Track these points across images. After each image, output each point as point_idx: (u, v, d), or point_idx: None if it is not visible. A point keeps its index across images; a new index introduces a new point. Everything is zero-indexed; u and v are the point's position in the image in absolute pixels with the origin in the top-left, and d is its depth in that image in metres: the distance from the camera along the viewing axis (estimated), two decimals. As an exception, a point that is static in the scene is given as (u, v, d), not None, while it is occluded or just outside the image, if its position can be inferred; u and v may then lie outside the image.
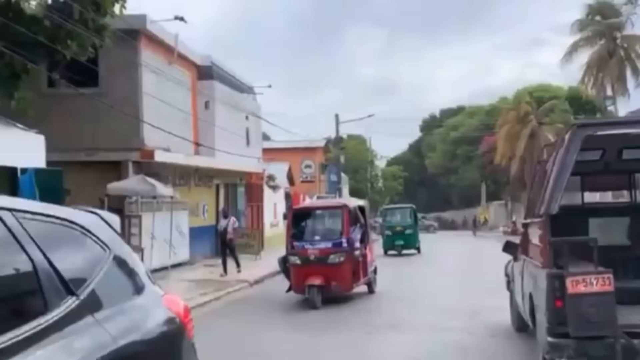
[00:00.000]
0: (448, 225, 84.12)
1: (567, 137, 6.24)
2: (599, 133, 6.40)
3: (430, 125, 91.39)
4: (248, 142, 26.95)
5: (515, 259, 8.77)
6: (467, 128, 78.69)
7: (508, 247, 8.92)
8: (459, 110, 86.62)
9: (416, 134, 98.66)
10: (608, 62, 43.67)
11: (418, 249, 30.30)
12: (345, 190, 61.08)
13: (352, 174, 75.97)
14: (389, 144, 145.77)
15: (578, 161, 6.34)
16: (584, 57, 44.05)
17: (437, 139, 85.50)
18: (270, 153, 41.97)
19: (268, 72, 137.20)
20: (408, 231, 30.14)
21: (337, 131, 46.15)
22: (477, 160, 59.53)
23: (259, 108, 29.47)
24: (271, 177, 30.56)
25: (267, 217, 30.98)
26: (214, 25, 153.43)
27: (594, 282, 5.53)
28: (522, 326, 8.71)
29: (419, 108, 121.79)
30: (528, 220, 7.76)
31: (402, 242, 29.73)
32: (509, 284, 9.86)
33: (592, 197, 9.32)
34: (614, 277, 5.65)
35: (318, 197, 43.04)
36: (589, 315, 5.50)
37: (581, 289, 5.52)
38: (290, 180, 40.98)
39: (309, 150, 44.34)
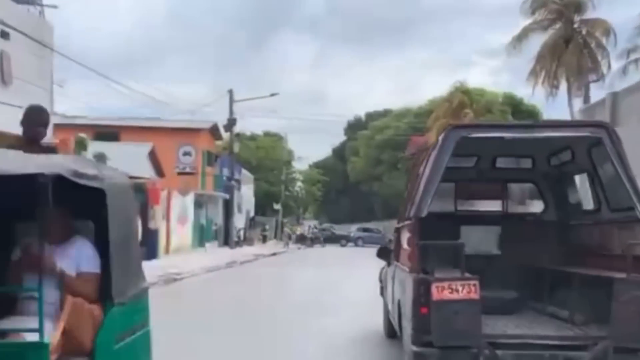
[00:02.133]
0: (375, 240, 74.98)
1: (440, 138, 5.91)
2: (474, 135, 5.97)
3: (355, 128, 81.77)
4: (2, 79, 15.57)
5: (389, 264, 8.49)
6: (394, 131, 69.49)
7: (382, 253, 8.89)
8: (386, 113, 77.39)
9: (341, 139, 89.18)
10: (564, 50, 34.97)
11: None
12: (249, 191, 50.35)
13: (264, 174, 65.53)
14: (314, 151, 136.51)
15: (453, 167, 6.28)
16: (535, 44, 35.23)
17: (362, 143, 76.00)
18: (132, 132, 31.11)
19: (198, 71, 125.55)
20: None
21: (231, 111, 35.65)
22: (403, 165, 49.93)
23: (50, 30, 17.70)
24: (82, 143, 19.48)
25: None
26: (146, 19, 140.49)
27: (460, 288, 5.22)
28: (393, 332, 8.26)
29: (346, 117, 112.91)
30: (400, 225, 7.36)
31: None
32: (383, 290, 9.46)
33: (465, 205, 8.55)
34: (481, 286, 5.31)
35: (195, 195, 32.29)
36: (454, 324, 5.17)
37: (447, 295, 5.21)
38: (158, 169, 30.20)
39: (189, 132, 33.65)
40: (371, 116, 79.42)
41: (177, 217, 28.79)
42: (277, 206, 64.32)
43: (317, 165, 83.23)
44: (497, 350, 5.31)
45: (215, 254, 30.52)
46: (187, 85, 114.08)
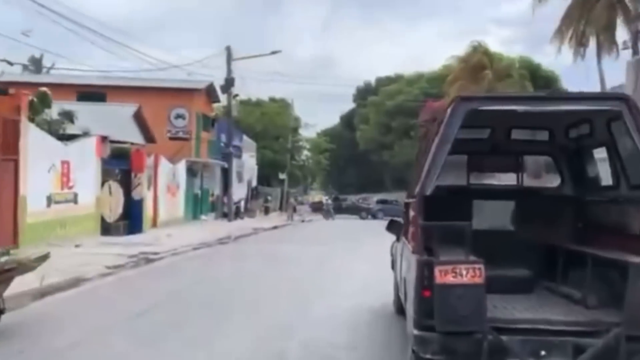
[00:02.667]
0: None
1: (449, 110, 5.49)
2: (484, 108, 5.61)
3: (364, 94, 78.23)
4: None
5: (398, 239, 8.06)
6: (406, 97, 66.06)
7: (392, 226, 8.31)
8: (398, 78, 73.81)
9: (350, 106, 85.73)
10: (594, 6, 31.51)
11: None
12: (251, 159, 47.35)
13: (269, 142, 62.46)
14: (322, 119, 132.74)
15: (465, 139, 6.06)
16: (558, 5, 31.80)
17: (371, 110, 72.58)
18: (119, 93, 28.13)
19: (205, 35, 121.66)
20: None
21: (229, 70, 32.41)
22: (416, 132, 46.72)
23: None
24: (43, 99, 16.46)
25: (33, 186, 15.47)
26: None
27: (464, 272, 4.94)
28: (402, 309, 7.39)
29: (356, 82, 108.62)
30: (408, 200, 6.89)
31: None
32: (394, 263, 8.89)
33: (478, 178, 8.19)
34: (493, 264, 5.16)
35: (188, 162, 29.34)
36: (457, 309, 4.91)
37: (450, 279, 4.94)
38: (146, 133, 27.18)
39: (182, 93, 30.39)
40: (382, 82, 75.70)
41: (165, 186, 25.86)
42: (282, 176, 61.31)
43: (324, 134, 79.82)
44: (503, 335, 5.02)
45: (209, 227, 27.65)
46: (192, 51, 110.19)
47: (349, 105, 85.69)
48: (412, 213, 5.86)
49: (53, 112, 17.71)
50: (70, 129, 18.59)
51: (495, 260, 5.19)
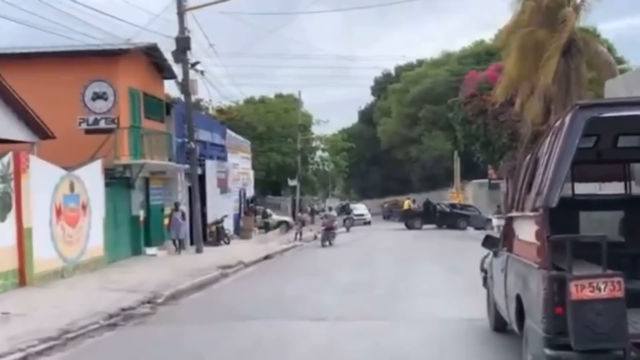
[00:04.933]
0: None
1: (567, 119, 5.16)
2: (604, 115, 5.13)
3: (384, 86, 66.04)
4: None
5: (496, 254, 7.58)
6: (433, 81, 53.85)
7: (488, 242, 7.84)
8: (420, 64, 61.50)
9: (369, 101, 73.53)
10: None
11: None
12: (245, 162, 35.43)
13: (277, 144, 50.78)
14: (339, 119, 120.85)
15: None
16: None
17: (393, 100, 60.39)
18: (11, 66, 16.64)
19: (225, 41, 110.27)
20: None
21: (182, 27, 20.53)
22: (458, 113, 34.13)
23: None
24: None
25: None
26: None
27: (602, 286, 4.53)
28: (501, 326, 7.76)
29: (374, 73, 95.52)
30: (516, 214, 6.37)
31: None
32: (486, 280, 8.52)
33: (583, 188, 7.67)
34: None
35: (113, 165, 17.59)
36: (596, 325, 4.49)
37: (587, 294, 4.54)
38: (34, 125, 15.38)
39: (102, 61, 18.46)
40: (403, 69, 63.46)
41: (50, 210, 14.06)
42: (292, 182, 49.36)
43: (342, 133, 67.37)
44: None
45: (136, 273, 15.70)
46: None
47: (367, 98, 73.77)
48: (533, 227, 5.24)
49: None
50: None
51: None
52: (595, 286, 4.51)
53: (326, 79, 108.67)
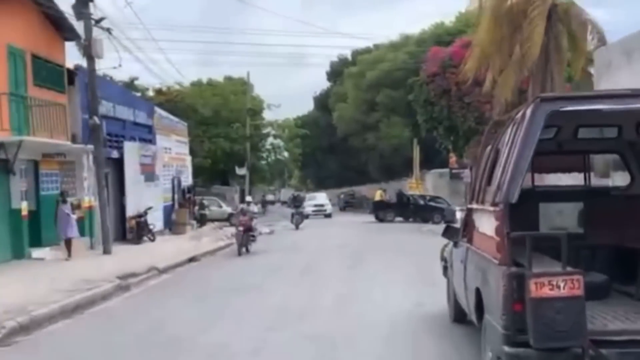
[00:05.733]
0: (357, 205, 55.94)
1: (528, 112, 5.04)
2: (567, 109, 5.13)
3: (340, 71, 62.17)
4: None
5: (456, 244, 7.34)
6: (391, 65, 50.22)
7: (448, 232, 7.61)
8: (378, 48, 57.73)
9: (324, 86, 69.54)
10: None
11: None
12: (181, 146, 31.13)
13: (224, 129, 46.56)
14: (293, 107, 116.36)
15: None
16: None
17: (349, 85, 56.55)
18: None
19: (182, 29, 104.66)
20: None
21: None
22: (420, 93, 30.33)
23: None
24: None
25: None
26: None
27: (562, 284, 4.44)
28: (461, 317, 7.48)
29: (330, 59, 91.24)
30: (476, 206, 6.14)
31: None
32: (446, 270, 8.32)
33: (543, 179, 7.93)
34: None
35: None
36: (555, 324, 4.39)
37: (546, 292, 4.43)
38: None
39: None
40: (359, 54, 59.62)
41: None
42: (241, 171, 45.16)
43: (297, 121, 63.11)
44: (601, 349, 4.50)
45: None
46: None
47: (323, 83, 69.84)
48: (492, 222, 5.06)
49: None
50: None
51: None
52: (554, 284, 4.40)
53: (280, 66, 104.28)
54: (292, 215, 30.44)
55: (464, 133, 27.71)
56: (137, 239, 20.94)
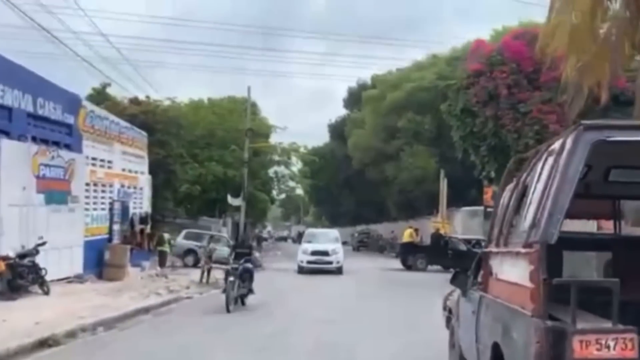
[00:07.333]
0: (374, 246, 47.63)
1: (568, 141, 4.20)
2: (613, 139, 4.16)
3: (358, 97, 54.45)
4: None
5: (464, 293, 6.53)
6: (416, 85, 42.33)
7: (457, 279, 6.72)
8: (401, 71, 49.90)
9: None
10: None
11: None
12: (136, 160, 23.14)
13: (218, 153, 39.07)
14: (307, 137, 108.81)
15: None
16: None
17: (368, 110, 48.65)
18: None
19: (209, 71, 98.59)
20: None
21: None
22: (455, 102, 21.72)
23: None
24: None
25: None
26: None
27: (612, 344, 3.63)
28: None
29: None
30: (496, 249, 5.24)
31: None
32: (449, 320, 7.66)
33: (568, 225, 5.95)
34: None
35: None
36: None
37: (593, 352, 3.61)
38: None
39: None
40: (379, 79, 51.80)
41: None
42: (235, 201, 37.02)
43: (313, 153, 55.00)
44: None
45: None
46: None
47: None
48: (525, 266, 4.20)
49: None
50: None
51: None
52: (603, 344, 3.64)
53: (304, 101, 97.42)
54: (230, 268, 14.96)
55: (517, 153, 19.42)
56: (13, 292, 12.97)
